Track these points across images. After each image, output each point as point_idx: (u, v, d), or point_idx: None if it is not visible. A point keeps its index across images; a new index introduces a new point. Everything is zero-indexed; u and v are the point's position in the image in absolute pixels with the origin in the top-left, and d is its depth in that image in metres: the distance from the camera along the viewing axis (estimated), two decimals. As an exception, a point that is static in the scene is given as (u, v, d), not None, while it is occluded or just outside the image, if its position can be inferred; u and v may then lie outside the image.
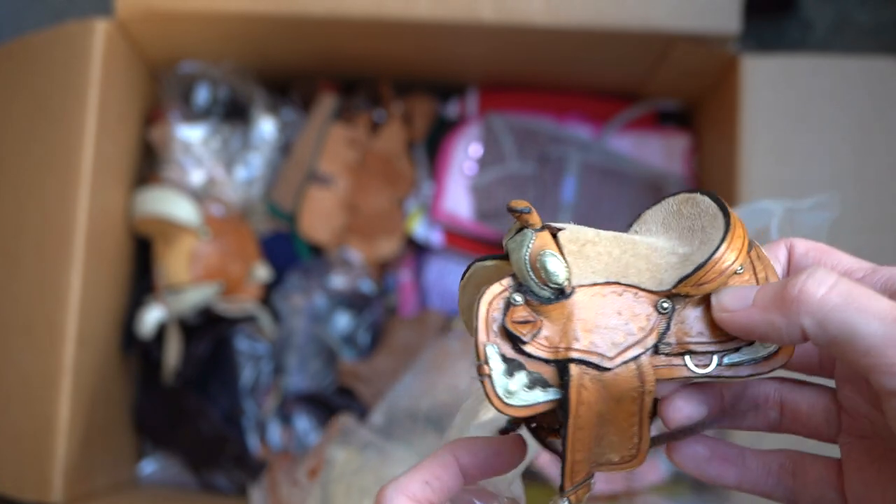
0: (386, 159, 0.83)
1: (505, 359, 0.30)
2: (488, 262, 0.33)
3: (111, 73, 0.70)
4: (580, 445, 0.31)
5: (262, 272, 0.80)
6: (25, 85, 0.71)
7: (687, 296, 0.31)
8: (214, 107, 0.82)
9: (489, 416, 0.43)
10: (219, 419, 0.76)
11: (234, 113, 0.83)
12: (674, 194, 0.34)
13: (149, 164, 0.82)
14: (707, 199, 0.32)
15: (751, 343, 0.31)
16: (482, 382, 0.30)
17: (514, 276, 0.31)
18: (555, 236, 0.31)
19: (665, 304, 0.31)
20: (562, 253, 0.31)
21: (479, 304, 0.31)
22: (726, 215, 0.31)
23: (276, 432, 0.79)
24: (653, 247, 0.32)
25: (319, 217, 0.82)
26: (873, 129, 0.67)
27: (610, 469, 0.32)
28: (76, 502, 0.67)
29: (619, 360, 0.30)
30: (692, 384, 0.32)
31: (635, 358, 0.31)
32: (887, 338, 0.25)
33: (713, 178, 0.77)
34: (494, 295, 0.31)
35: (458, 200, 0.81)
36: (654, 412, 0.32)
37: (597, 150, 0.82)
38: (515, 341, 0.30)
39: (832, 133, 0.67)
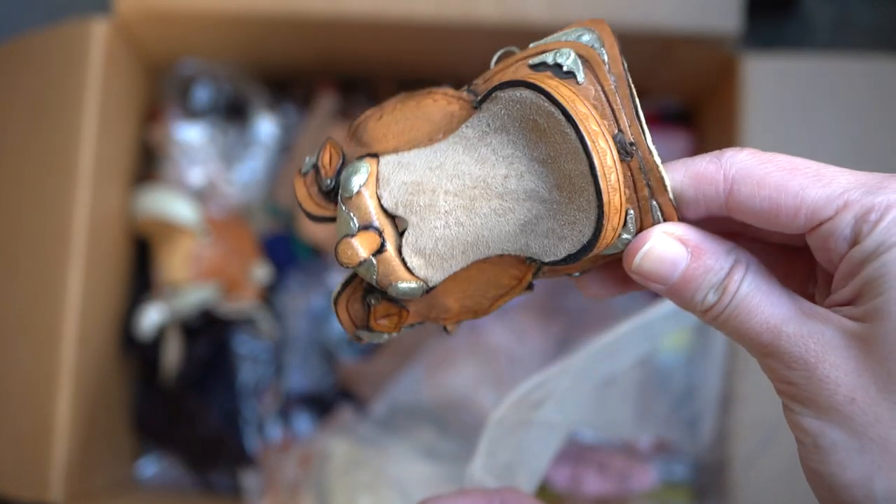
0: (386, 159, 0.83)
1: (374, 330, 0.31)
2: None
3: (110, 72, 0.70)
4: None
5: (262, 272, 0.80)
6: (24, 84, 0.70)
7: None
8: (214, 106, 0.82)
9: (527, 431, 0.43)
10: (218, 420, 0.76)
11: (233, 112, 0.83)
12: (532, 87, 0.27)
13: (148, 164, 0.82)
14: (573, 136, 0.26)
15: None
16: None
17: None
18: (400, 250, 0.29)
19: (535, 258, 0.28)
20: (412, 273, 0.29)
21: (335, 309, 0.30)
22: (598, 193, 0.26)
23: (275, 432, 0.79)
24: (514, 194, 0.28)
25: (319, 217, 0.82)
26: (874, 128, 0.67)
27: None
28: (75, 502, 0.67)
29: (493, 309, 0.30)
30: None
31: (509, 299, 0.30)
32: (755, 355, 0.27)
33: (713, 178, 0.77)
34: (348, 299, 0.30)
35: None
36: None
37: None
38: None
39: (833, 133, 0.67)
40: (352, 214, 0.28)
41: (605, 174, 0.26)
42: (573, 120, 0.26)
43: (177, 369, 0.77)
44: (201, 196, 0.79)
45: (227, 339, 0.78)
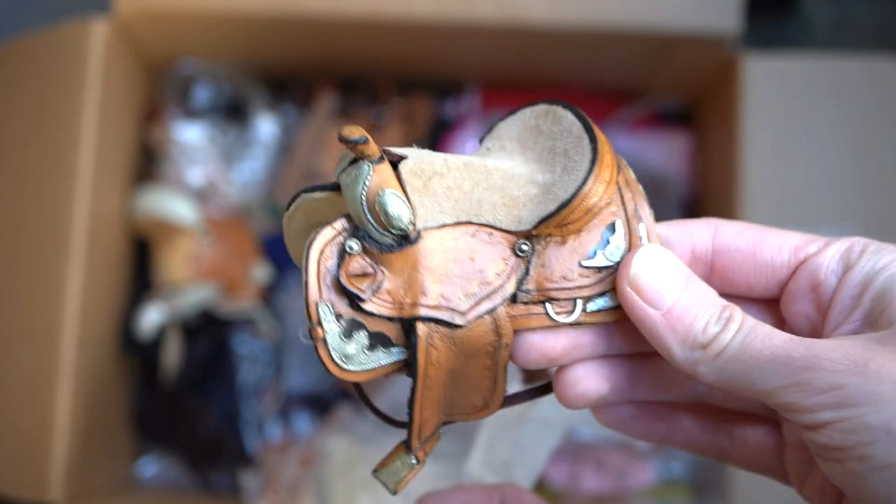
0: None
1: (341, 318, 0.26)
2: (317, 195, 0.28)
3: (110, 72, 0.70)
4: (429, 404, 0.27)
5: (261, 272, 0.80)
6: (25, 84, 0.70)
7: (549, 236, 0.28)
8: (214, 106, 0.82)
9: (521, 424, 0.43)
10: (217, 420, 0.76)
11: (233, 112, 0.83)
12: (531, 104, 0.30)
13: (147, 164, 0.82)
14: (570, 116, 0.28)
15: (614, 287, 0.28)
16: (315, 347, 0.26)
17: (348, 215, 0.27)
18: (396, 168, 0.27)
19: (524, 247, 0.28)
20: (404, 191, 0.27)
21: (308, 252, 0.26)
22: (592, 139, 0.27)
23: (275, 432, 0.79)
24: (508, 174, 0.28)
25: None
26: (874, 128, 0.67)
27: (459, 419, 0.29)
28: (75, 501, 0.67)
29: (473, 314, 0.27)
30: (597, 358, 0.30)
31: (491, 311, 0.27)
32: (783, 381, 0.25)
33: (714, 178, 0.77)
34: (327, 241, 0.26)
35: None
36: (511, 358, 0.29)
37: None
38: (353, 298, 0.26)
39: (833, 133, 0.67)
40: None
41: (598, 133, 0.28)
42: (571, 105, 0.29)
43: (177, 369, 0.77)
44: (201, 196, 0.79)
45: (227, 339, 0.78)
